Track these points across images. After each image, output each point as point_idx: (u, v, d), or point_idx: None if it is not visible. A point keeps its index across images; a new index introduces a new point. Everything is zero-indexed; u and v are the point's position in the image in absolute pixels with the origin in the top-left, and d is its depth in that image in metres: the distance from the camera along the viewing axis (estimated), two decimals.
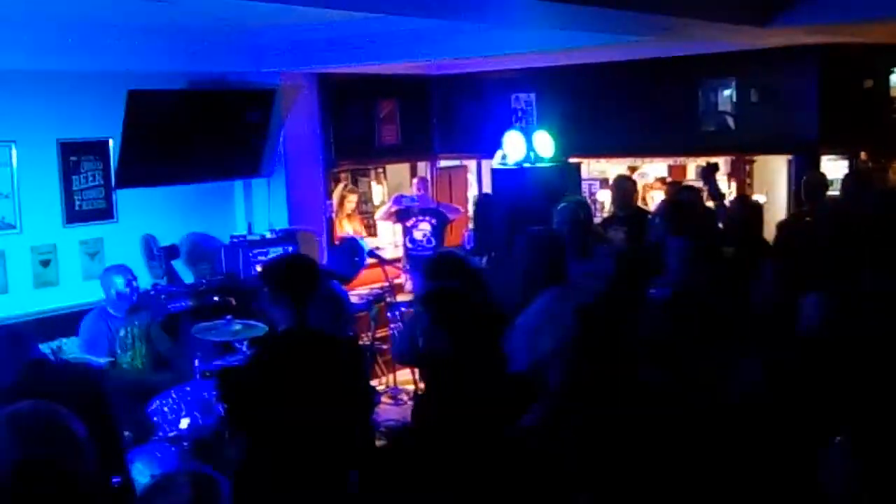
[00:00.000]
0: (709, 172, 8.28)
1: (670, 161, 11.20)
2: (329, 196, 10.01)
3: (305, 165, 9.60)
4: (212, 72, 8.63)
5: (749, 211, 6.17)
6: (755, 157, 10.50)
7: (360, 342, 8.12)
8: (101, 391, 4.26)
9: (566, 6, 5.25)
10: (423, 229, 9.60)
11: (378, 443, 4.99)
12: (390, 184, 11.51)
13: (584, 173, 10.55)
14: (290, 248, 9.11)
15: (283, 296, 4.25)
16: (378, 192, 11.42)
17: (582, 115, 9.81)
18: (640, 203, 8.97)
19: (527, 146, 9.02)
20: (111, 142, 8.10)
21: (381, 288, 9.08)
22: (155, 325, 6.50)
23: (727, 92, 9.32)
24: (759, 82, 9.11)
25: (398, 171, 11.51)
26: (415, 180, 10.51)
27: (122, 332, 6.46)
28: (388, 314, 9.08)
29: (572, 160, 9.64)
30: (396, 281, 9.47)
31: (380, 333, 9.05)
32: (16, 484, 2.47)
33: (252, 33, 8.40)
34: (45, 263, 7.88)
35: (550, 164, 9.11)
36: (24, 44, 7.01)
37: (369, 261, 8.77)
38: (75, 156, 8.05)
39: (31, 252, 7.81)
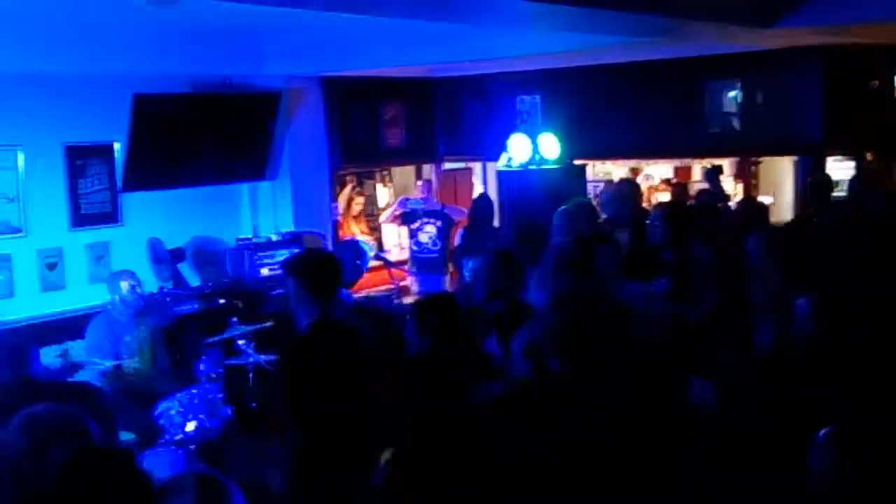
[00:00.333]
0: (713, 174, 8.28)
1: (676, 163, 11.20)
2: (334, 199, 10.02)
3: (311, 168, 9.61)
4: (217, 75, 8.64)
5: (755, 212, 6.16)
6: (761, 159, 10.49)
7: None
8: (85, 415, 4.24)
9: (570, 8, 5.25)
10: (429, 231, 9.60)
11: None
12: (396, 186, 11.52)
13: (589, 175, 10.56)
14: (296, 251, 9.13)
15: (311, 290, 4.30)
16: (383, 194, 11.42)
17: (587, 117, 9.81)
18: (645, 205, 8.95)
19: (532, 148, 9.04)
20: (117, 145, 8.11)
21: (388, 290, 9.08)
22: (159, 332, 6.51)
23: (732, 93, 9.31)
24: (765, 84, 9.10)
25: (403, 174, 11.52)
26: (419, 183, 10.51)
27: (128, 337, 6.47)
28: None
29: (577, 162, 9.65)
30: (402, 283, 9.46)
31: None
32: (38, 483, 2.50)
33: (257, 37, 8.41)
34: (52, 267, 7.90)
35: (555, 165, 9.11)
36: (30, 47, 7.02)
37: (375, 263, 8.78)
38: (81, 159, 8.07)
39: (37, 255, 7.82)
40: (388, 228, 10.84)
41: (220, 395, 5.79)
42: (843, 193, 8.00)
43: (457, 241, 9.23)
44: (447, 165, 11.35)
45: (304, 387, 4.19)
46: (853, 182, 7.71)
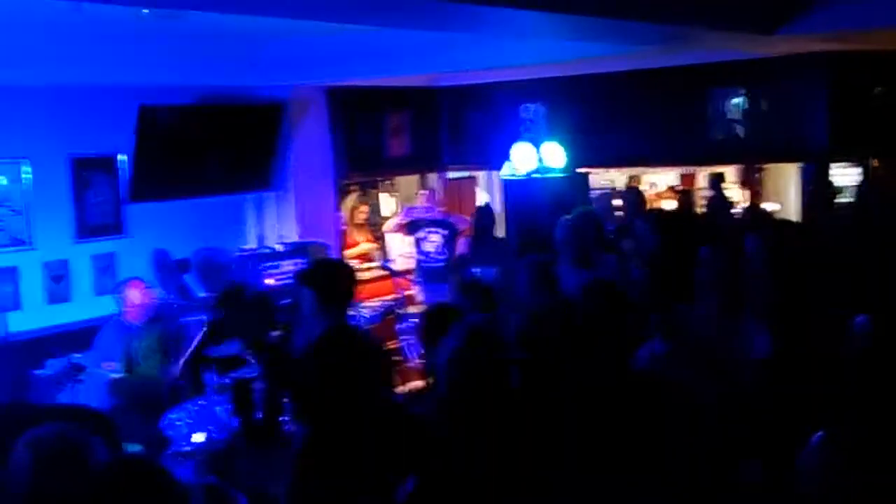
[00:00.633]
0: (716, 182, 8.30)
1: (681, 170, 11.21)
2: (339, 208, 10.03)
3: (315, 178, 9.62)
4: (222, 86, 8.65)
5: (760, 219, 6.16)
6: (766, 166, 10.49)
7: None
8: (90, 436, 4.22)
9: (575, 17, 5.26)
10: (434, 241, 9.59)
11: None
12: (400, 196, 11.52)
13: (593, 183, 10.56)
14: (301, 262, 9.14)
15: (325, 300, 4.28)
16: (388, 203, 11.43)
17: (591, 126, 9.81)
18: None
19: (536, 157, 9.04)
20: (122, 157, 8.13)
21: (393, 300, 9.07)
22: (167, 341, 6.51)
23: (737, 100, 9.31)
24: (769, 90, 9.10)
25: (408, 183, 11.52)
26: (423, 192, 10.52)
27: (136, 344, 6.47)
28: (398, 326, 9.07)
29: (581, 170, 9.65)
30: (407, 293, 9.46)
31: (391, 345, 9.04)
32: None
33: (262, 47, 8.43)
34: (58, 279, 7.91)
35: (560, 174, 9.11)
36: (36, 60, 7.04)
37: (381, 273, 8.77)
38: (87, 171, 8.08)
39: (43, 268, 7.84)
40: (393, 238, 10.84)
41: (228, 407, 5.78)
42: (848, 200, 7.99)
43: (460, 250, 9.24)
44: (451, 174, 11.36)
45: (317, 392, 4.15)
46: (859, 189, 7.69)
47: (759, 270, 4.49)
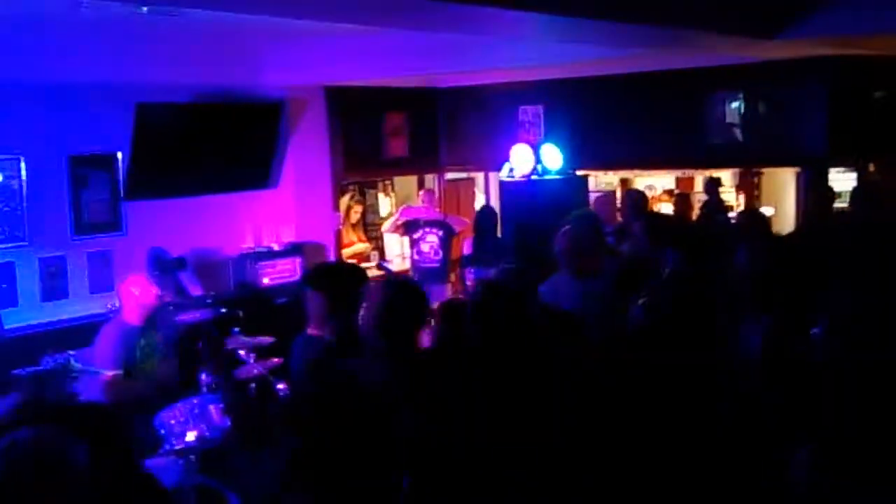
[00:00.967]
0: (712, 186, 8.29)
1: (678, 173, 11.21)
2: (337, 208, 10.03)
3: (313, 178, 9.63)
4: (220, 84, 8.65)
5: (756, 223, 6.15)
6: (763, 170, 10.49)
7: None
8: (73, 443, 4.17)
9: (574, 20, 5.26)
10: (431, 241, 9.60)
11: None
12: (398, 196, 11.53)
13: (592, 185, 10.56)
14: (299, 261, 9.15)
15: (338, 303, 4.20)
16: (385, 204, 11.44)
17: (589, 128, 9.82)
18: None
19: (534, 159, 9.04)
20: (119, 155, 8.12)
21: None
22: (165, 340, 6.50)
23: (735, 104, 9.32)
24: (767, 94, 9.11)
25: (406, 184, 11.53)
26: (421, 192, 10.52)
27: (135, 343, 6.45)
28: None
29: (580, 173, 9.65)
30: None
31: None
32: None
33: (260, 46, 8.42)
34: (54, 276, 7.90)
35: (558, 176, 9.12)
36: (33, 57, 7.03)
37: (377, 273, 8.76)
38: (84, 169, 8.07)
39: (39, 264, 7.83)
40: (390, 238, 10.85)
41: (221, 405, 5.77)
42: (844, 205, 7.98)
43: (466, 250, 9.25)
44: (449, 175, 11.37)
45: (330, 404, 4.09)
46: (855, 193, 7.69)
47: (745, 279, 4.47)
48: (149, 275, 7.00)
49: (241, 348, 6.05)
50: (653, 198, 10.83)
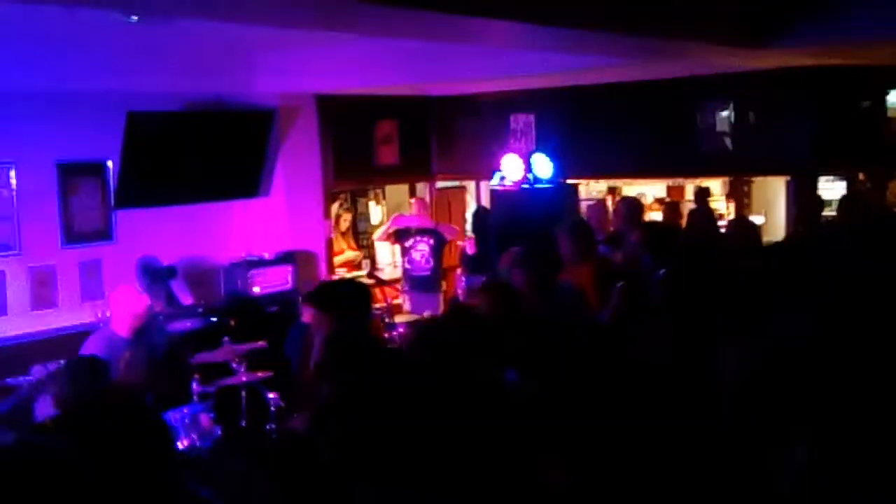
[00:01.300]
0: (701, 196, 8.31)
1: (668, 182, 11.25)
2: (328, 216, 10.04)
3: (304, 186, 9.63)
4: (211, 93, 8.65)
5: (746, 231, 6.17)
6: (753, 178, 10.53)
7: None
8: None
9: (563, 30, 5.28)
10: (422, 250, 9.61)
11: None
12: (389, 204, 11.54)
13: (583, 194, 10.58)
14: (290, 269, 9.14)
15: (352, 317, 4.12)
16: (377, 212, 11.44)
17: (581, 136, 9.85)
18: None
19: (525, 167, 9.05)
20: (110, 163, 8.12)
21: (380, 309, 9.06)
22: (154, 350, 6.48)
23: (725, 113, 9.36)
24: (757, 104, 9.15)
25: (397, 192, 11.54)
26: (413, 200, 10.54)
27: (122, 355, 6.44)
28: (385, 335, 9.06)
29: (570, 181, 9.66)
30: (395, 301, 9.46)
31: None
32: None
33: (251, 55, 8.43)
34: (44, 284, 7.89)
35: (549, 184, 9.13)
36: (23, 65, 7.04)
37: (368, 281, 8.74)
38: (74, 177, 8.06)
39: (29, 273, 7.82)
40: (381, 246, 10.85)
41: (212, 415, 5.76)
42: (832, 213, 8.03)
43: (469, 250, 9.27)
44: (440, 183, 11.38)
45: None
46: (842, 202, 7.74)
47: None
48: (139, 284, 6.98)
49: (232, 358, 6.06)
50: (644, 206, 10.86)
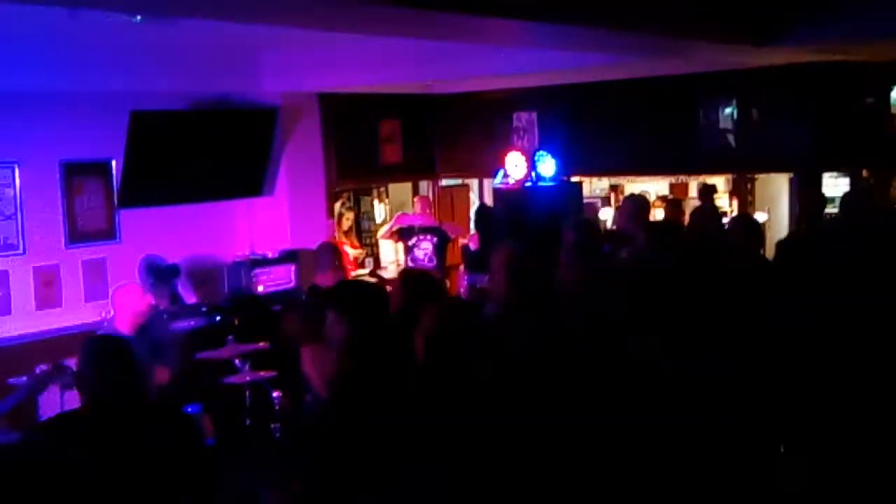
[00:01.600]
0: (705, 193, 8.29)
1: (672, 179, 11.24)
2: (331, 215, 10.04)
3: (307, 185, 9.63)
4: (214, 92, 8.66)
5: (749, 229, 6.16)
6: (756, 175, 10.52)
7: None
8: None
9: (566, 27, 5.28)
10: (425, 248, 9.62)
11: None
12: (392, 202, 11.54)
13: (586, 192, 10.59)
14: (293, 268, 9.15)
15: (367, 322, 4.03)
16: (380, 210, 11.45)
17: (583, 134, 9.85)
18: None
19: (528, 165, 9.06)
20: (114, 162, 8.13)
21: None
22: (159, 348, 6.49)
23: (728, 110, 9.35)
24: (760, 100, 9.14)
25: (400, 190, 11.54)
26: (416, 199, 10.54)
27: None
28: None
29: (574, 179, 9.66)
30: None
31: None
32: None
33: (254, 54, 8.44)
34: (48, 284, 7.90)
35: (552, 182, 9.13)
36: (27, 65, 7.05)
37: (371, 279, 8.77)
38: (78, 176, 8.08)
39: (33, 273, 7.83)
40: (384, 244, 10.86)
41: (216, 413, 5.77)
42: (836, 210, 8.00)
43: (472, 245, 9.27)
44: (443, 182, 11.39)
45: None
46: (845, 198, 7.72)
47: None
48: (144, 282, 6.99)
49: (236, 356, 6.07)
50: None
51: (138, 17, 5.73)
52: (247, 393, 6.04)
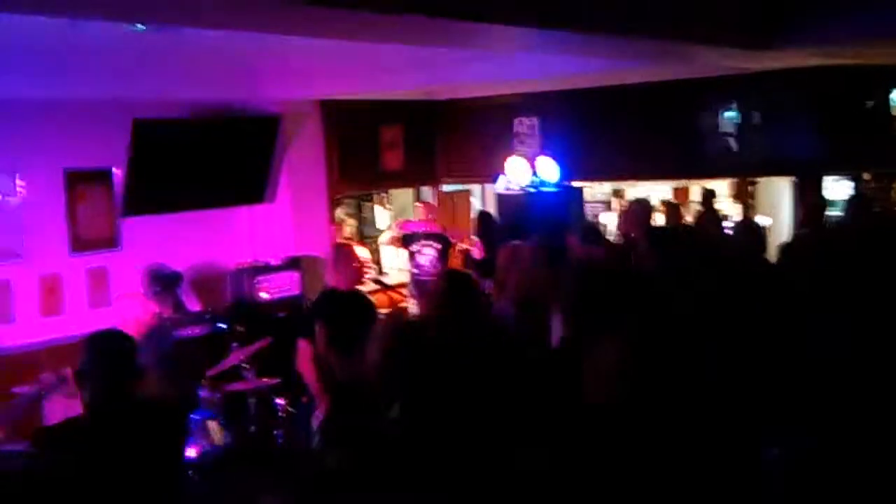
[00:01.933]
0: (706, 197, 8.29)
1: (673, 183, 11.25)
2: (333, 221, 10.05)
3: (310, 191, 9.65)
4: (216, 100, 8.68)
5: (751, 234, 6.16)
6: (758, 179, 10.52)
7: None
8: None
9: (568, 34, 5.29)
10: (428, 254, 9.62)
11: None
12: (394, 208, 11.55)
13: (587, 196, 10.59)
14: (296, 275, 9.16)
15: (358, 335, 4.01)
16: (382, 216, 11.46)
17: (585, 139, 9.85)
18: None
19: (530, 170, 9.07)
20: (116, 170, 8.14)
21: (386, 313, 9.08)
22: (162, 356, 6.50)
23: (729, 114, 9.35)
24: (761, 104, 9.15)
25: (402, 196, 11.55)
26: (419, 205, 10.55)
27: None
28: None
29: (575, 184, 9.67)
30: (401, 306, 9.48)
31: None
32: None
33: (255, 61, 8.44)
34: (51, 292, 7.91)
35: (554, 187, 9.14)
36: (30, 73, 7.05)
37: (374, 287, 8.79)
38: (81, 184, 8.09)
39: (37, 281, 7.84)
40: (387, 250, 10.86)
41: (221, 420, 5.79)
42: (839, 214, 8.01)
43: (476, 255, 9.28)
44: (445, 187, 11.39)
45: None
46: (849, 202, 7.72)
47: None
48: (148, 291, 7.00)
49: (241, 363, 6.08)
50: None
51: (141, 27, 5.74)
52: (251, 401, 6.05)
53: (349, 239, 10.53)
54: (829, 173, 9.22)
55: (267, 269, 9.06)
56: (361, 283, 6.90)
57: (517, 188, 9.18)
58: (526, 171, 9.10)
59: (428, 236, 9.69)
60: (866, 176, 9.59)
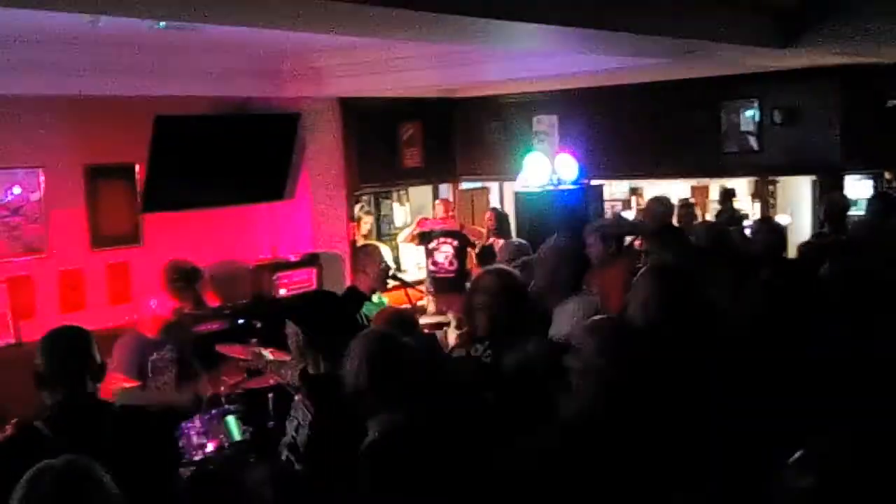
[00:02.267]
0: (725, 197, 8.27)
1: (693, 182, 11.22)
2: (352, 218, 10.07)
3: (329, 188, 9.67)
4: (237, 97, 8.71)
5: (771, 233, 6.14)
6: (778, 178, 10.48)
7: None
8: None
9: (589, 31, 5.29)
10: (446, 251, 9.63)
11: None
12: (413, 206, 11.56)
13: (607, 195, 10.57)
14: (315, 271, 9.19)
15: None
16: (401, 213, 11.46)
17: (604, 137, 9.84)
18: None
19: (549, 168, 9.05)
20: (138, 166, 8.18)
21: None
22: (183, 351, 6.53)
23: (750, 113, 9.33)
24: (782, 103, 9.12)
25: (421, 193, 11.56)
26: (437, 202, 10.55)
27: (154, 356, 6.49)
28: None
29: (595, 182, 9.65)
30: (419, 303, 9.47)
31: None
32: None
33: (276, 58, 8.48)
34: (72, 287, 7.95)
35: (573, 186, 9.12)
36: (52, 70, 7.10)
37: (392, 283, 8.77)
38: (102, 180, 8.13)
39: (58, 276, 7.88)
40: (405, 248, 10.87)
41: (240, 416, 5.80)
42: (860, 213, 7.96)
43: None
44: (464, 185, 11.39)
45: None
46: (871, 201, 7.68)
47: None
48: (170, 287, 7.04)
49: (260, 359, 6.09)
50: None
51: (162, 24, 5.78)
52: (270, 395, 6.06)
53: (366, 236, 10.54)
54: (850, 172, 9.18)
55: (286, 265, 9.08)
56: (386, 284, 6.92)
57: (536, 186, 9.16)
58: (545, 168, 9.08)
59: (445, 234, 9.70)
60: (887, 175, 9.53)
